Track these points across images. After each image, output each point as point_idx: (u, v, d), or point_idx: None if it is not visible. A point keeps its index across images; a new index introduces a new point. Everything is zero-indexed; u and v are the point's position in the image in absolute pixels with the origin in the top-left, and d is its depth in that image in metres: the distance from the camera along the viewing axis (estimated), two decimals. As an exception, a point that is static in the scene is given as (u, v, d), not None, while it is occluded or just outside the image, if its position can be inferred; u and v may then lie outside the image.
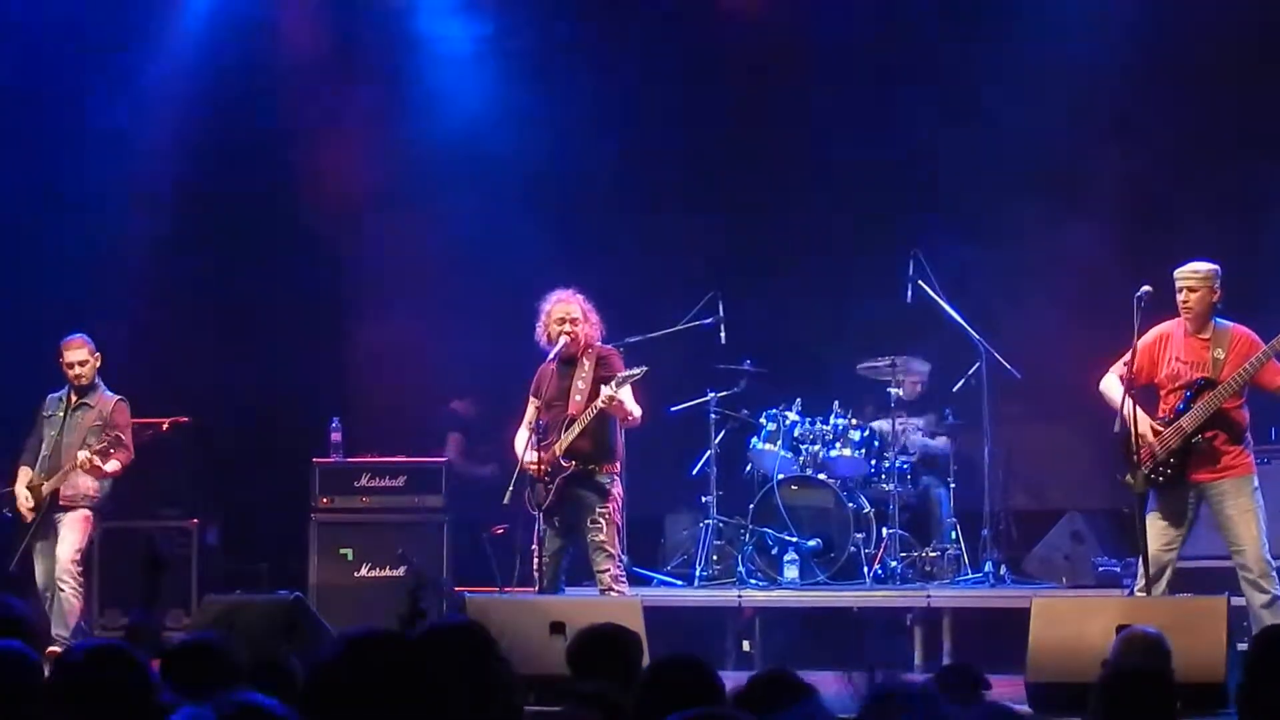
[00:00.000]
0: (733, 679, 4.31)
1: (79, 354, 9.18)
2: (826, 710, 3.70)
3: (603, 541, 8.25)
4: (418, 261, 11.19)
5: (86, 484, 9.09)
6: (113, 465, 9.07)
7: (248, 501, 10.68)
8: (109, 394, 9.25)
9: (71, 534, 9.03)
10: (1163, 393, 7.85)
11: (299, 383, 10.79)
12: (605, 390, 8.16)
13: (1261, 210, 9.79)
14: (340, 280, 11.33)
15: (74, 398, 9.21)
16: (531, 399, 8.54)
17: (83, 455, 8.95)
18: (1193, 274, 7.75)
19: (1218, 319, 7.80)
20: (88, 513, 9.10)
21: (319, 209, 11.23)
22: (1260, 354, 7.61)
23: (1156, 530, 7.70)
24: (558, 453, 8.28)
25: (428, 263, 11.17)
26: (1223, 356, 7.72)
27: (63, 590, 8.87)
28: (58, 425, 9.18)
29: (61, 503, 9.07)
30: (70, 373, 9.16)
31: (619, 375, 8.22)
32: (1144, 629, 5.48)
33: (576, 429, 8.26)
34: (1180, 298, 7.75)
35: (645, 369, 8.30)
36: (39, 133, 10.99)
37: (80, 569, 9.02)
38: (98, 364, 9.24)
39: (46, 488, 9.04)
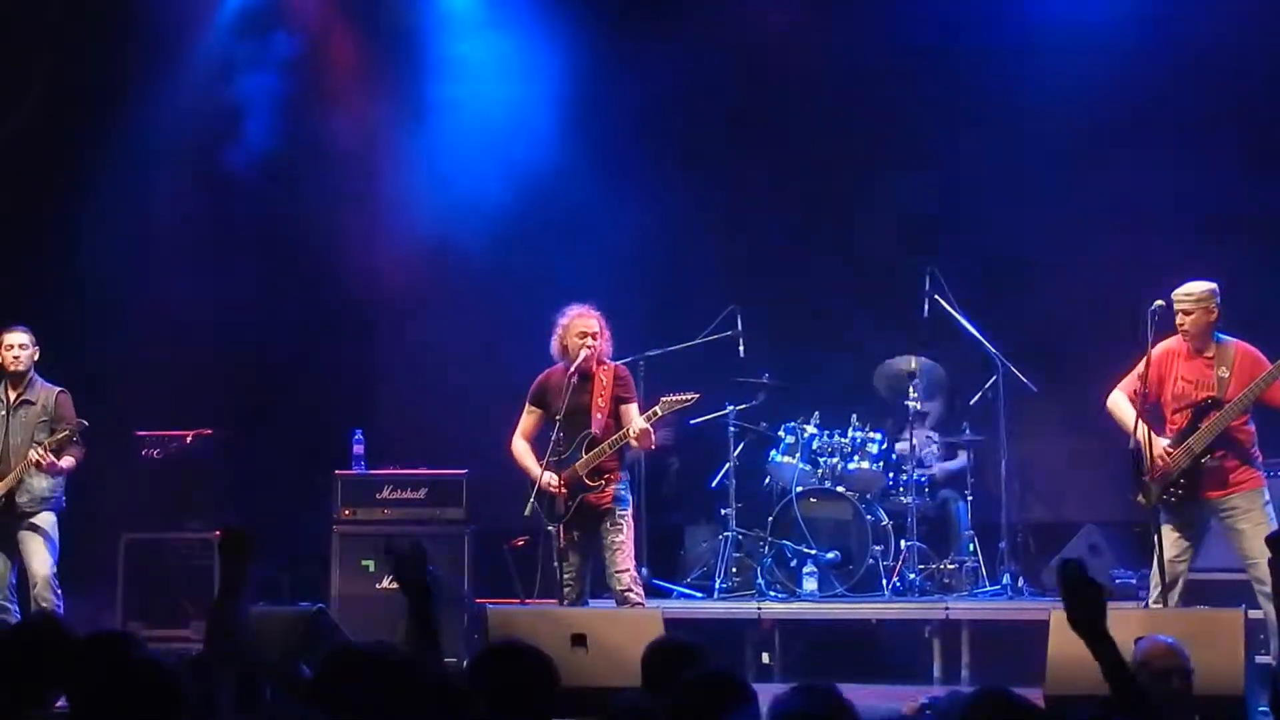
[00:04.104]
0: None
1: (20, 337, 8.78)
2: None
3: (622, 542, 8.33)
4: (440, 275, 11.24)
5: (42, 485, 8.69)
6: (68, 461, 8.68)
7: (270, 513, 10.72)
8: (48, 385, 8.84)
9: (44, 546, 8.64)
10: (1169, 412, 7.87)
11: (321, 395, 10.85)
12: (639, 423, 8.23)
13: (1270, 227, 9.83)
14: (363, 293, 11.36)
15: (12, 395, 8.77)
16: (531, 408, 8.58)
17: (35, 453, 8.57)
18: (1186, 296, 7.77)
19: (1220, 335, 7.84)
20: (52, 516, 8.72)
21: (342, 221, 11.29)
22: (1268, 373, 7.62)
23: (1168, 542, 7.73)
24: (580, 471, 8.35)
25: (449, 276, 11.22)
26: (1227, 375, 7.74)
27: (45, 606, 8.40)
28: (0, 427, 8.78)
29: (21, 511, 8.67)
30: (9, 355, 8.73)
31: (664, 400, 8.31)
32: (1162, 639, 5.49)
33: (607, 449, 8.33)
34: (1176, 320, 7.78)
35: (697, 395, 8.39)
36: (58, 140, 11.09)
37: (57, 579, 8.62)
38: (36, 356, 8.82)
39: None
